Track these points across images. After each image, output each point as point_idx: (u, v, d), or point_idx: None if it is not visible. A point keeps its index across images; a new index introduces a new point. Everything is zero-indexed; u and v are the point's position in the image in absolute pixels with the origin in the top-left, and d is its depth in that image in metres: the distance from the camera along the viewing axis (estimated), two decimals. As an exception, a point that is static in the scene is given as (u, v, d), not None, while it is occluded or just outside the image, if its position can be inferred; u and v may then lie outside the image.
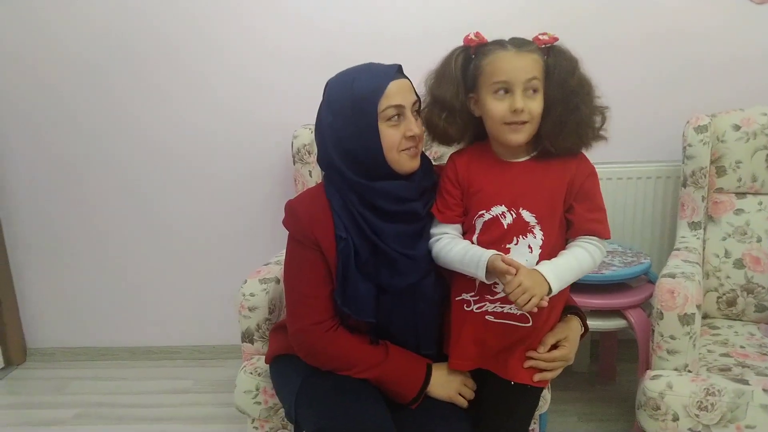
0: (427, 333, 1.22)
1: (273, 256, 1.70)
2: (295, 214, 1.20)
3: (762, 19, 1.88)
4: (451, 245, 1.14)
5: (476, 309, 1.14)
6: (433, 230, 1.19)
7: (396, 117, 1.13)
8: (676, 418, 1.29)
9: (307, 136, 1.87)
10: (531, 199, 1.11)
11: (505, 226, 1.11)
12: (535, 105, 1.08)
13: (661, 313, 1.36)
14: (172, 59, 2.08)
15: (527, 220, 1.10)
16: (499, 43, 1.10)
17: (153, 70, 2.10)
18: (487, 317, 1.13)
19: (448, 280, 1.21)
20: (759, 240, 1.67)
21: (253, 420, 1.43)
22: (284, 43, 2.03)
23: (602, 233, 1.12)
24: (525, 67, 1.06)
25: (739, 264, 1.68)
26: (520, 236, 1.10)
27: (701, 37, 1.91)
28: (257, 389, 1.39)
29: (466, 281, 1.14)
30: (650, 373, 1.37)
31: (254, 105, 2.10)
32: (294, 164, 1.91)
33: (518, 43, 1.09)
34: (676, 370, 1.36)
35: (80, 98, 2.14)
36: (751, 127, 1.68)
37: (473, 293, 1.14)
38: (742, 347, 1.52)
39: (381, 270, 1.17)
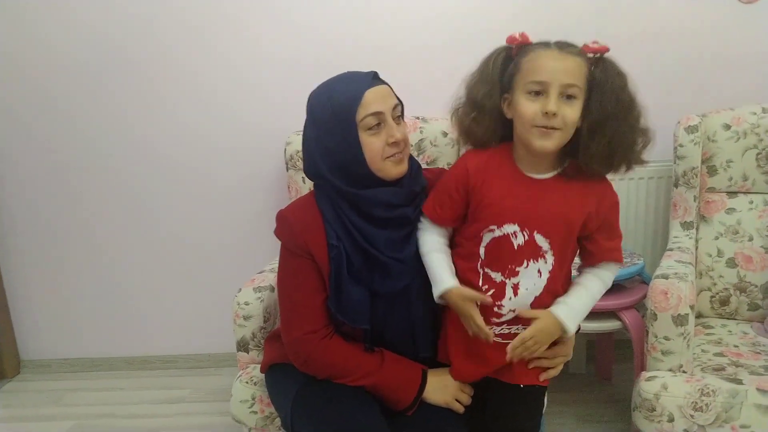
0: (424, 335, 1.22)
1: (267, 263, 1.70)
2: (286, 224, 1.20)
3: (750, 18, 1.89)
4: (422, 243, 1.16)
5: None
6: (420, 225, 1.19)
7: (376, 125, 1.12)
8: (671, 419, 1.29)
9: (300, 142, 1.87)
10: (547, 224, 1.05)
11: (516, 247, 1.06)
12: (570, 112, 1.00)
13: (655, 315, 1.36)
14: (166, 65, 2.08)
15: (540, 244, 1.06)
16: (544, 43, 1.04)
17: (148, 76, 2.09)
18: (494, 339, 1.10)
19: None
20: (750, 239, 1.68)
21: (250, 429, 1.42)
22: (277, 49, 2.03)
23: (618, 260, 1.11)
24: (566, 70, 0.99)
25: (731, 263, 1.69)
26: (531, 260, 1.06)
27: (691, 37, 1.93)
28: (253, 398, 1.38)
29: None
30: (645, 374, 1.37)
31: (247, 111, 2.09)
32: (287, 171, 1.91)
33: (563, 45, 1.02)
34: (670, 370, 1.36)
35: (75, 104, 2.13)
36: (741, 126, 1.69)
37: None
38: (735, 346, 1.52)
39: (374, 275, 1.17)
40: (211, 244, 2.24)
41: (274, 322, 1.52)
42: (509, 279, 1.08)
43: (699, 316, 1.73)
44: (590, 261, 1.12)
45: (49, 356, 2.40)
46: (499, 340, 1.11)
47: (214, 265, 2.25)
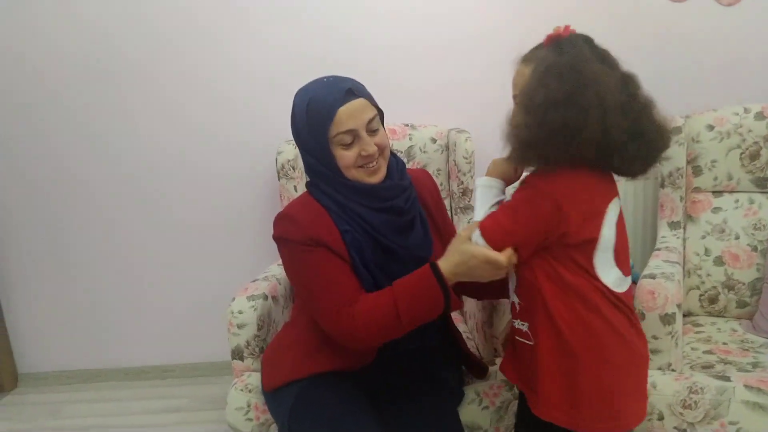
0: (429, 323, 1.21)
1: (261, 272, 1.71)
2: (292, 221, 1.19)
3: (730, 21, 1.93)
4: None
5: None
6: None
7: (349, 142, 1.14)
8: (661, 417, 1.31)
9: (291, 152, 1.89)
10: None
11: None
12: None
13: (643, 314, 1.38)
14: (171, 65, 2.09)
15: None
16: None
17: (150, 77, 2.11)
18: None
19: None
20: (737, 237, 1.71)
21: (246, 437, 1.44)
22: (281, 52, 2.05)
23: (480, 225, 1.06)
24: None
25: (718, 261, 1.72)
26: None
27: (674, 40, 1.96)
28: (248, 405, 1.39)
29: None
30: (635, 373, 1.39)
31: (237, 122, 2.11)
32: (279, 180, 1.92)
33: None
34: (660, 369, 1.38)
35: (74, 105, 2.14)
36: (725, 127, 1.72)
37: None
38: (724, 344, 1.54)
39: (390, 261, 1.19)
40: (206, 254, 2.25)
41: (268, 331, 1.53)
42: None
43: (688, 314, 1.75)
44: None
45: (47, 369, 2.41)
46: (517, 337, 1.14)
47: (210, 274, 2.26)
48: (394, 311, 1.10)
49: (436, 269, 1.10)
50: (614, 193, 1.07)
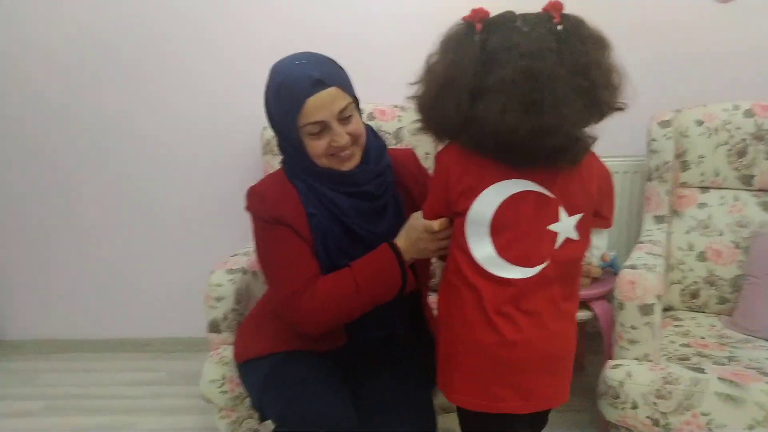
0: (401, 309, 1.25)
1: (242, 247, 1.70)
2: (260, 197, 1.19)
3: (725, 17, 1.92)
4: None
5: None
6: None
7: (318, 131, 1.12)
8: (635, 407, 1.31)
9: (279, 128, 1.87)
10: None
11: None
12: None
13: (622, 304, 1.38)
14: (150, 50, 2.08)
15: None
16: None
17: (134, 62, 2.09)
18: None
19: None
20: (721, 234, 1.71)
21: (220, 410, 1.43)
22: (260, 33, 2.03)
23: None
24: None
25: (701, 257, 1.72)
26: None
27: (666, 33, 1.95)
28: (223, 378, 1.39)
29: None
30: (611, 362, 1.39)
31: (226, 95, 2.09)
32: (263, 155, 1.91)
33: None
34: (636, 359, 1.38)
35: (55, 87, 2.12)
36: (714, 123, 1.72)
37: None
38: (702, 338, 1.55)
39: (357, 248, 1.18)
40: (188, 229, 2.24)
41: (245, 305, 1.52)
42: None
43: (669, 308, 1.76)
44: None
45: (24, 337, 2.40)
46: None
47: (190, 249, 2.25)
48: (353, 290, 1.12)
49: (393, 246, 1.14)
50: (512, 175, 1.02)
